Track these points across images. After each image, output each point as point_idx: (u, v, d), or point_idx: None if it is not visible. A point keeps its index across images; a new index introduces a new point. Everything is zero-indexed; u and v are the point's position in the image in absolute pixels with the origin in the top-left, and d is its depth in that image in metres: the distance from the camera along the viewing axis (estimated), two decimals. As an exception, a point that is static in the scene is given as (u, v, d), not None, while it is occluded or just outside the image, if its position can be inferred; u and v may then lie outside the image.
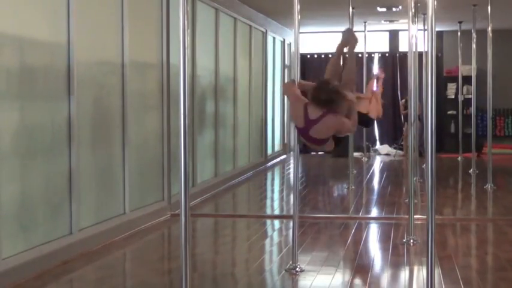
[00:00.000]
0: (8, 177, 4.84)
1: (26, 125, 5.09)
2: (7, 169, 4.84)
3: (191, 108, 8.57)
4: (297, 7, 5.12)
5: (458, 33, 12.95)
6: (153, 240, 6.67)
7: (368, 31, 13.65)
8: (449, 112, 15.51)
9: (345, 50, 5.79)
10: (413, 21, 6.64)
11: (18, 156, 4.98)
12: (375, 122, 9.43)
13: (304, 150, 13.96)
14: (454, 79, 14.80)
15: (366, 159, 13.87)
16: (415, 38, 7.76)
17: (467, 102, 13.59)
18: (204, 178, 9.18)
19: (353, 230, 6.80)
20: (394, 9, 11.60)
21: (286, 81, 14.62)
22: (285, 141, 15.06)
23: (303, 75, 15.07)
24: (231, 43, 10.67)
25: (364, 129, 14.27)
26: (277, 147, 14.33)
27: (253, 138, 11.89)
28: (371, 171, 12.52)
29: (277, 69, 14.26)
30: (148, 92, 7.36)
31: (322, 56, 16.34)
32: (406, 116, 13.88)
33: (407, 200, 6.99)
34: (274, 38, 13.84)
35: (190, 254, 3.55)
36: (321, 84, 5.10)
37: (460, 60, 13.07)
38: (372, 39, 15.37)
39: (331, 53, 17.21)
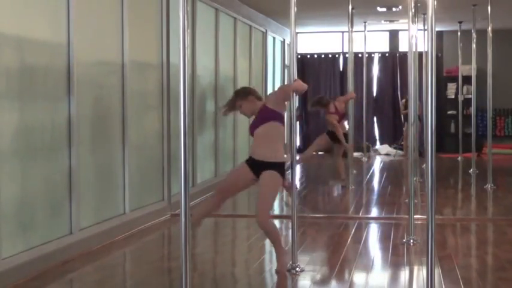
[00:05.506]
0: (8, 177, 4.84)
1: (26, 125, 5.09)
2: (7, 169, 4.84)
3: (191, 108, 8.56)
4: (293, 8, 5.10)
5: (458, 33, 12.95)
6: (153, 240, 6.67)
7: (368, 31, 13.66)
8: (449, 112, 15.50)
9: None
10: (413, 21, 6.64)
11: (18, 156, 4.98)
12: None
13: (303, 149, 13.98)
14: (454, 79, 14.79)
15: (366, 159, 13.87)
16: (415, 38, 7.76)
17: (467, 102, 13.58)
18: (204, 178, 9.17)
19: (353, 230, 6.80)
20: (394, 9, 11.60)
21: (285, 81, 14.61)
22: (285, 141, 15.02)
23: (303, 76, 15.08)
24: (231, 43, 10.67)
25: (364, 129, 14.34)
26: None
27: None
28: (371, 171, 12.51)
29: (277, 69, 14.25)
30: (148, 92, 7.36)
31: (322, 56, 16.34)
32: (406, 116, 13.87)
33: (407, 200, 6.99)
34: (274, 38, 13.84)
35: (190, 254, 3.54)
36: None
37: (460, 60, 13.07)
38: (372, 39, 15.37)
39: (331, 54, 17.21)
